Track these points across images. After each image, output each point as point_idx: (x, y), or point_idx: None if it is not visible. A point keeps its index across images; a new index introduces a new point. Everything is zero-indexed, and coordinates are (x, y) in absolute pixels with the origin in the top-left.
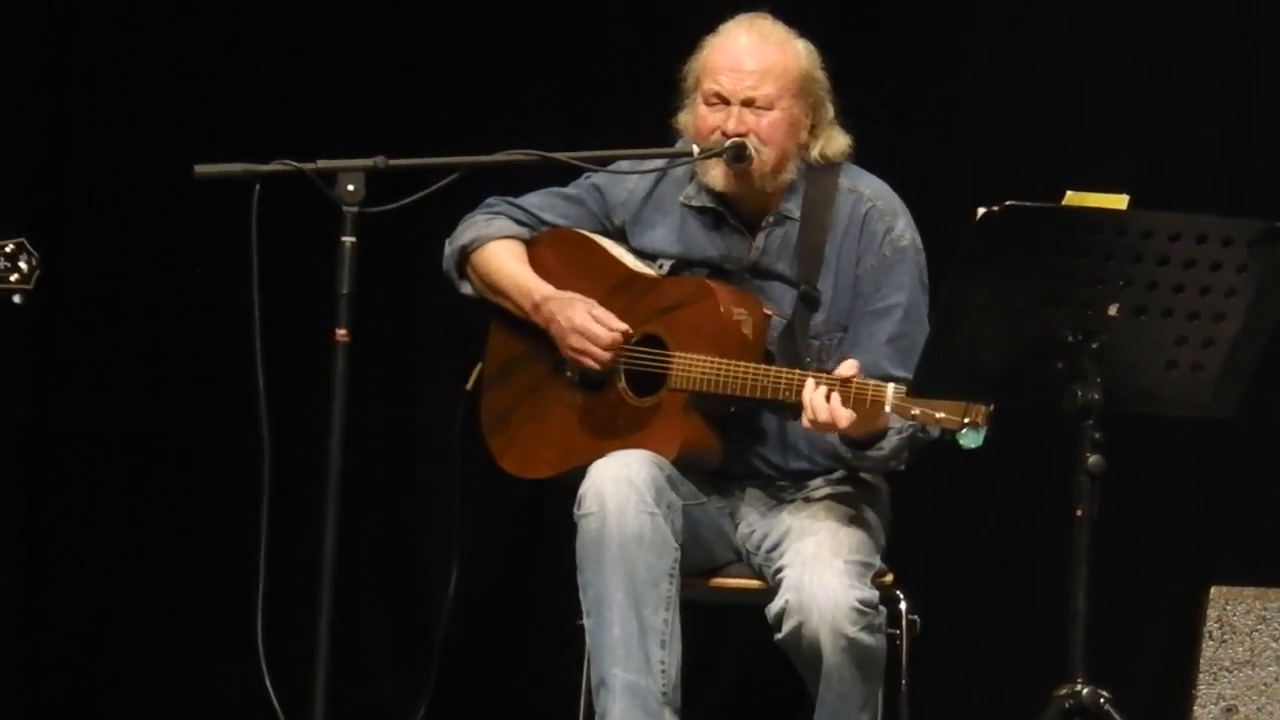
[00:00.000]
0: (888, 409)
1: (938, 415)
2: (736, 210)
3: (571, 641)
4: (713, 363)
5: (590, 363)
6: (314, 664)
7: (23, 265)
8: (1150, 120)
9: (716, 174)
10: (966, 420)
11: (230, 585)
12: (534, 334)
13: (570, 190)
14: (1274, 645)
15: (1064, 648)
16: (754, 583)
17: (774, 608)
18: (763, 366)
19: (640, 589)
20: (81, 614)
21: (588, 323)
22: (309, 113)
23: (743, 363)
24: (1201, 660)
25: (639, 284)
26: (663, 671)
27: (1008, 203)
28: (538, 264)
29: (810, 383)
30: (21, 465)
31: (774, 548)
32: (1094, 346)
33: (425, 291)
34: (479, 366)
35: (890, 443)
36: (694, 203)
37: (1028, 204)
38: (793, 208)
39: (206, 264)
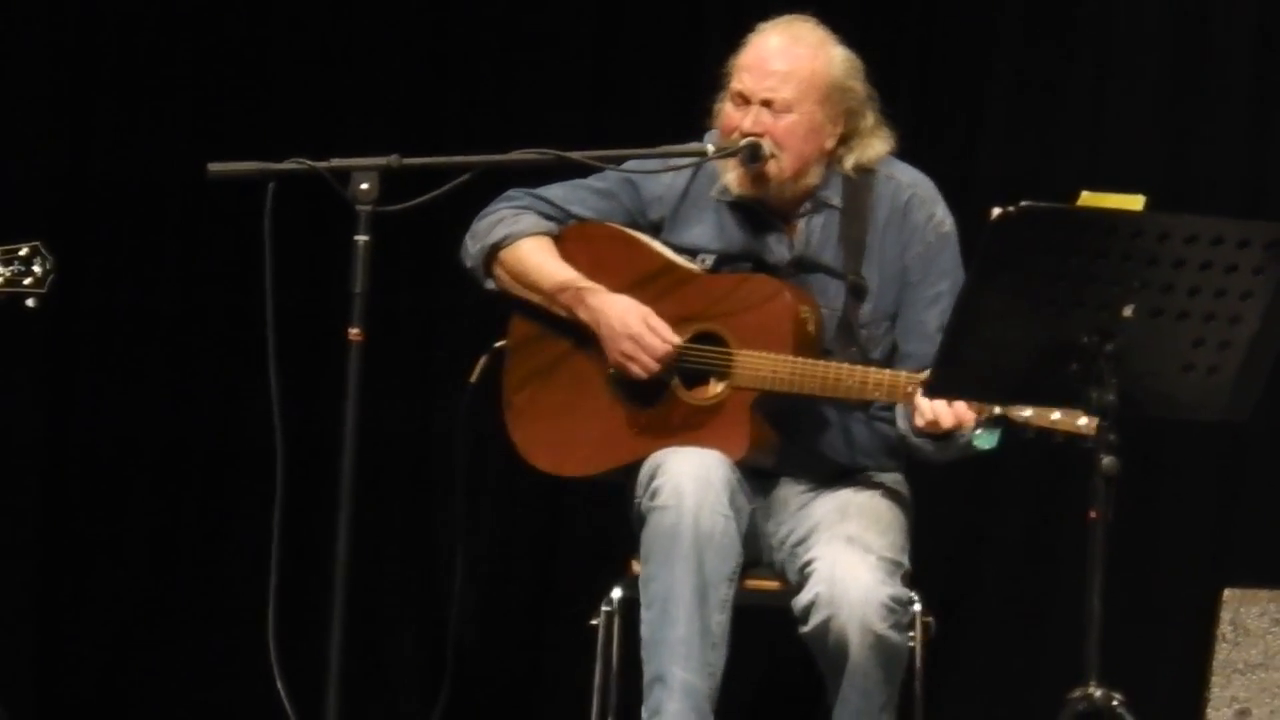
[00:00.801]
0: (998, 411)
1: (1052, 417)
2: (769, 203)
3: (587, 645)
4: (786, 361)
5: (638, 370)
6: (327, 669)
7: (36, 269)
8: (1173, 123)
9: (732, 177)
10: (1082, 422)
11: (249, 590)
12: (567, 329)
13: (599, 183)
14: None
15: (1079, 650)
16: (771, 583)
17: (802, 600)
18: (844, 365)
19: (707, 590)
20: (99, 621)
21: (643, 331)
22: (329, 113)
23: (820, 361)
24: (1215, 663)
25: (686, 280)
26: (710, 674)
27: (1023, 203)
28: (569, 261)
29: (911, 382)
30: (39, 470)
31: (800, 541)
32: (1109, 349)
33: (442, 290)
34: (482, 359)
35: (960, 438)
36: (727, 198)
37: (1043, 205)
38: (832, 194)
39: (228, 267)
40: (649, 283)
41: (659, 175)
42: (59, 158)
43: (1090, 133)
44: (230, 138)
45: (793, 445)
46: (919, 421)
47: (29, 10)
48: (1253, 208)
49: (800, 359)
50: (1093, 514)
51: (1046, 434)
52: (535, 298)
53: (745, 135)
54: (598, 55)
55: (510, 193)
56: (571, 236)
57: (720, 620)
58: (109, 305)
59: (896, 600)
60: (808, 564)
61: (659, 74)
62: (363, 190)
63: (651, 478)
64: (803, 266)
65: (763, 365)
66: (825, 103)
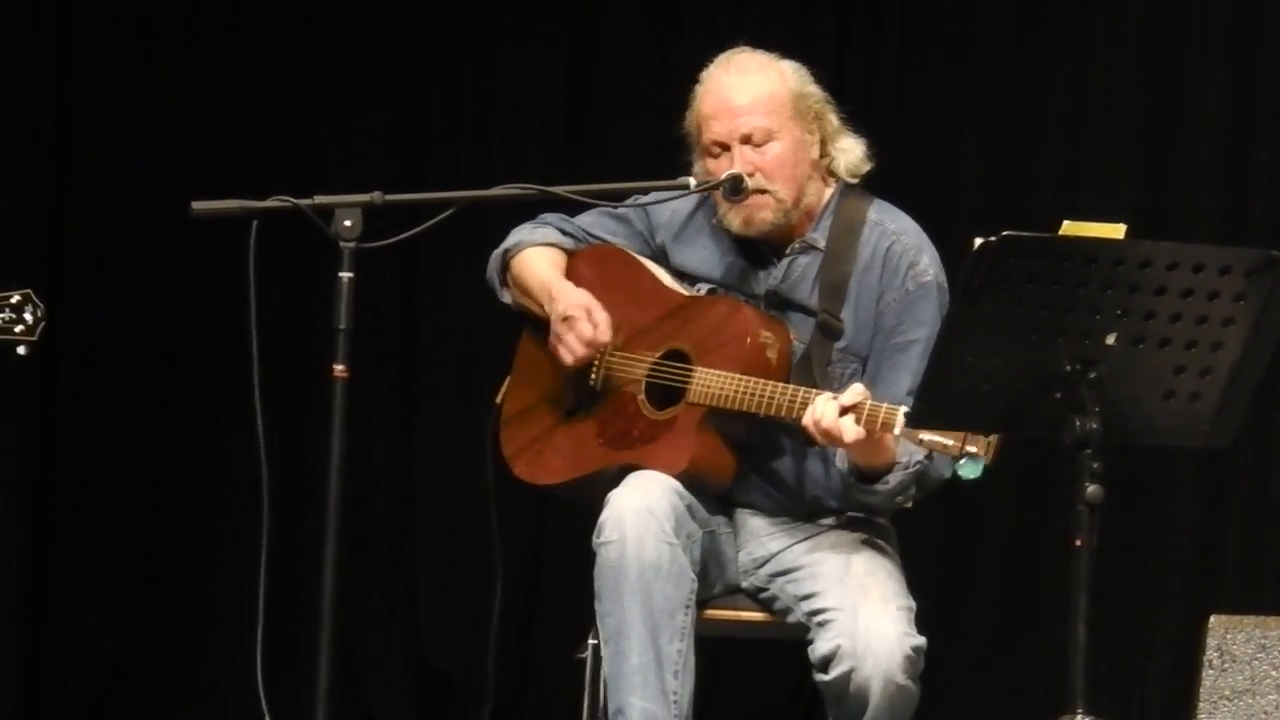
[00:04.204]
0: (896, 431)
1: (947, 442)
2: (767, 237)
3: (572, 671)
4: (731, 379)
5: (564, 354)
6: (315, 690)
7: (28, 317)
8: (1152, 151)
9: (732, 218)
10: (968, 449)
11: (235, 616)
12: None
13: (618, 211)
14: (1274, 674)
15: (1065, 677)
16: (756, 614)
17: (821, 649)
18: (779, 384)
19: (657, 619)
20: (85, 649)
21: (579, 315)
22: (315, 151)
23: (760, 380)
24: (1201, 689)
25: (675, 304)
26: (674, 702)
27: (1004, 233)
28: (577, 278)
29: (825, 395)
30: (24, 507)
31: (802, 586)
32: (1092, 376)
33: (426, 325)
34: (507, 381)
35: (896, 477)
36: (731, 227)
37: (1024, 234)
38: (819, 237)
39: (222, 303)
40: (640, 301)
41: (668, 203)
42: (40, 196)
43: (1069, 163)
44: (212, 175)
45: (749, 478)
46: (808, 421)
47: (7, 48)
48: (1234, 234)
49: (747, 377)
50: (1077, 541)
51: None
52: (530, 303)
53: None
54: (574, 94)
55: (542, 214)
56: (586, 256)
57: (680, 648)
58: (93, 339)
59: (918, 650)
60: (823, 611)
61: (636, 112)
62: (346, 227)
63: (600, 515)
64: (773, 302)
65: (713, 382)
66: (797, 116)
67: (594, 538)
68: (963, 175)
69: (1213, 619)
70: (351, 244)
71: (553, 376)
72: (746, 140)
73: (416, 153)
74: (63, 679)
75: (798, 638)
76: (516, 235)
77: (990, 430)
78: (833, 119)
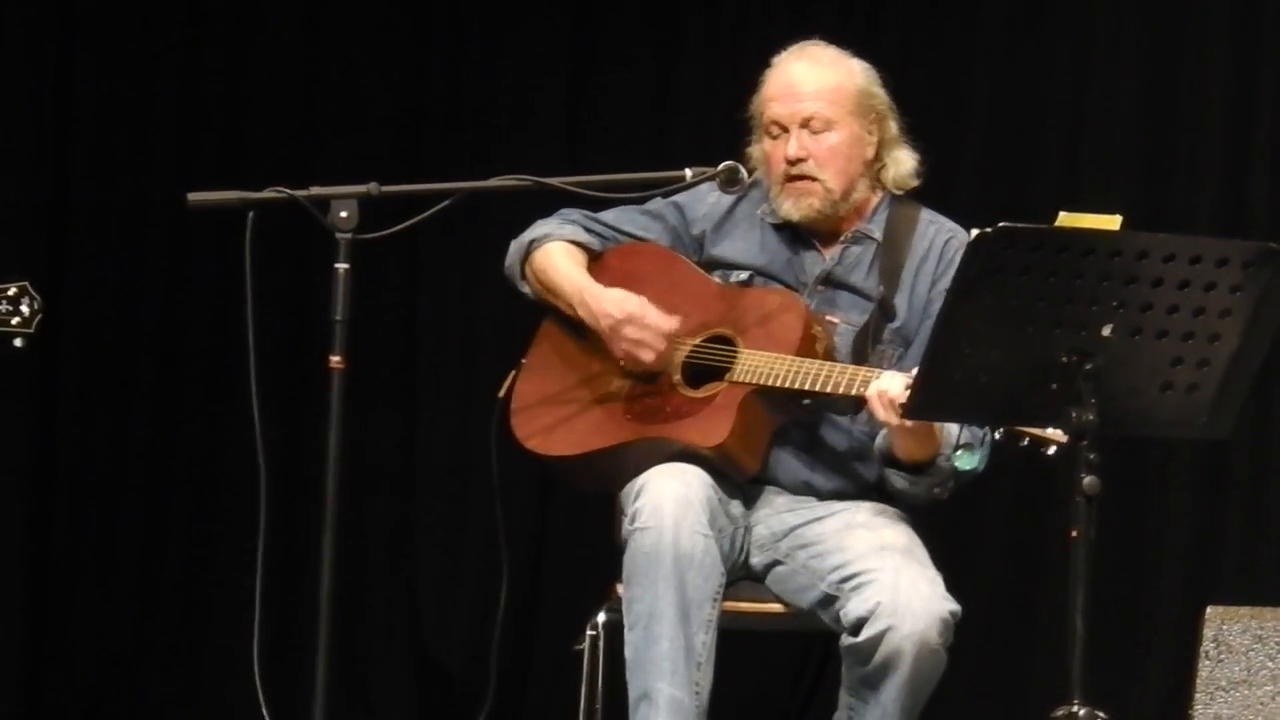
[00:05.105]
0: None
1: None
2: (815, 228)
3: (571, 669)
4: (782, 359)
5: (646, 353)
6: (312, 689)
7: (25, 309)
8: (1150, 143)
9: (782, 201)
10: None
11: (237, 617)
12: (586, 334)
13: (649, 206)
14: (1270, 664)
15: (1063, 668)
16: (774, 607)
17: (857, 611)
18: (838, 364)
19: (689, 609)
20: (85, 646)
21: (644, 313)
22: (317, 144)
23: (815, 360)
24: (1198, 680)
25: (717, 292)
26: (697, 693)
27: (1001, 224)
28: (610, 275)
29: (889, 372)
30: (25, 498)
31: (830, 558)
32: (1089, 368)
33: (427, 317)
34: (512, 374)
35: (940, 468)
36: (772, 220)
37: (1021, 225)
38: (874, 228)
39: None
40: (678, 290)
41: (705, 197)
42: (42, 188)
43: (1067, 154)
44: (214, 167)
45: (789, 455)
46: (871, 393)
47: (10, 39)
48: (1230, 226)
49: (800, 358)
50: (1074, 532)
51: (1015, 437)
52: (555, 301)
53: (790, 162)
54: (575, 90)
55: (564, 210)
56: (616, 253)
57: (704, 640)
58: (94, 331)
59: (954, 616)
60: (858, 575)
61: (637, 107)
62: (342, 218)
63: (634, 500)
64: (830, 282)
65: (761, 363)
66: (859, 112)
67: (627, 524)
68: (961, 167)
69: (1209, 610)
70: (348, 235)
71: (570, 361)
72: (805, 125)
73: (417, 148)
74: (64, 672)
75: (799, 628)
76: (543, 228)
77: (987, 422)
78: (893, 126)
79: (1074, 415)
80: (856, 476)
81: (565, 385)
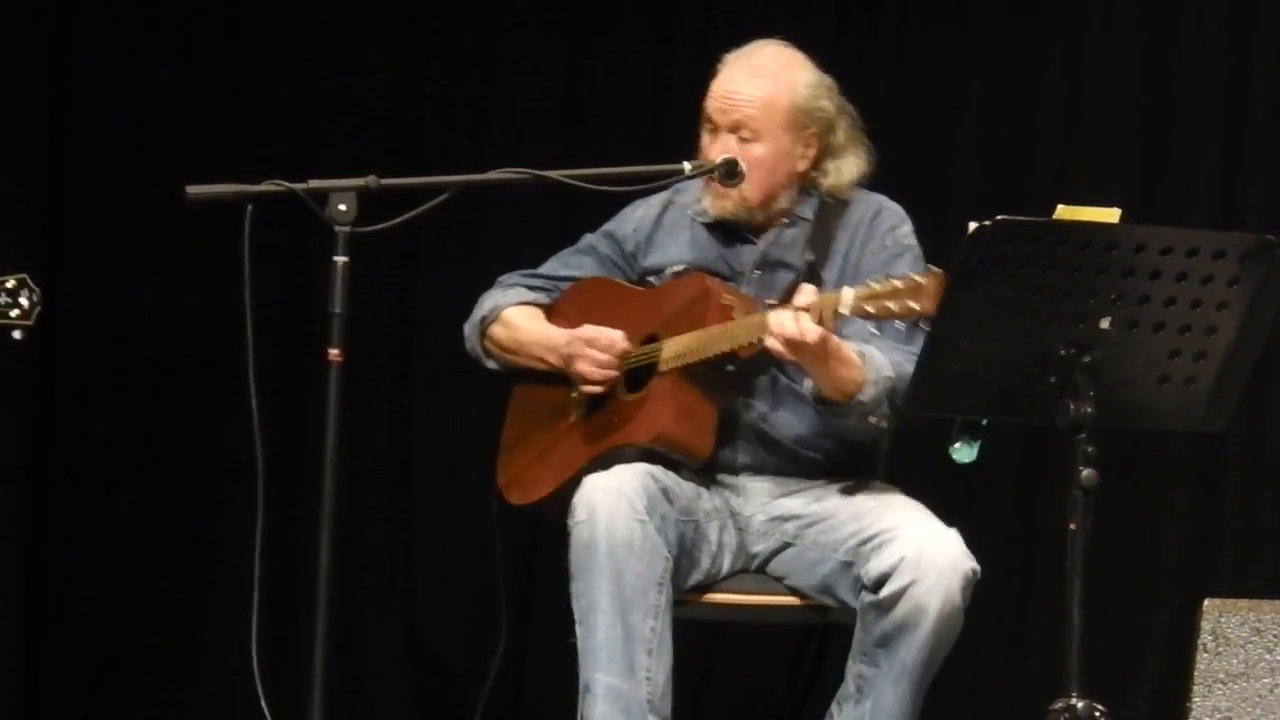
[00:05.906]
0: (845, 310)
1: (892, 306)
2: (748, 222)
3: (567, 658)
4: (695, 335)
5: (589, 374)
6: (310, 681)
7: (24, 301)
8: (1147, 136)
9: (704, 195)
10: (915, 306)
11: (237, 608)
12: (551, 381)
13: (580, 244)
14: (1268, 657)
15: (1060, 661)
16: (756, 599)
17: (879, 567)
18: (731, 322)
19: (628, 596)
20: (85, 639)
21: (596, 335)
22: (314, 138)
23: (720, 325)
24: (1196, 673)
25: (646, 297)
26: (648, 679)
27: (999, 217)
28: (567, 319)
29: (778, 309)
30: (21, 488)
31: (843, 529)
32: (1086, 361)
33: (425, 311)
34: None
35: (868, 393)
36: (705, 218)
37: (1018, 218)
38: (806, 210)
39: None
40: (611, 308)
41: (630, 216)
42: (38, 180)
43: (1064, 147)
44: (211, 160)
45: (744, 438)
46: (772, 342)
47: (6, 32)
48: (1228, 219)
49: (707, 329)
50: (1071, 525)
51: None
52: (524, 361)
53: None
54: (573, 84)
55: (501, 277)
56: (563, 299)
57: (654, 625)
58: (91, 323)
59: (975, 573)
60: (879, 535)
61: (634, 101)
62: (340, 211)
63: (574, 498)
64: (766, 265)
65: (681, 345)
66: (791, 128)
67: (568, 520)
68: (959, 160)
69: (1207, 602)
70: (346, 228)
71: (541, 408)
72: (735, 130)
73: (414, 143)
74: (61, 665)
75: (798, 620)
76: (489, 301)
77: (985, 415)
78: (839, 134)
79: (1072, 407)
80: (820, 438)
81: (532, 433)
